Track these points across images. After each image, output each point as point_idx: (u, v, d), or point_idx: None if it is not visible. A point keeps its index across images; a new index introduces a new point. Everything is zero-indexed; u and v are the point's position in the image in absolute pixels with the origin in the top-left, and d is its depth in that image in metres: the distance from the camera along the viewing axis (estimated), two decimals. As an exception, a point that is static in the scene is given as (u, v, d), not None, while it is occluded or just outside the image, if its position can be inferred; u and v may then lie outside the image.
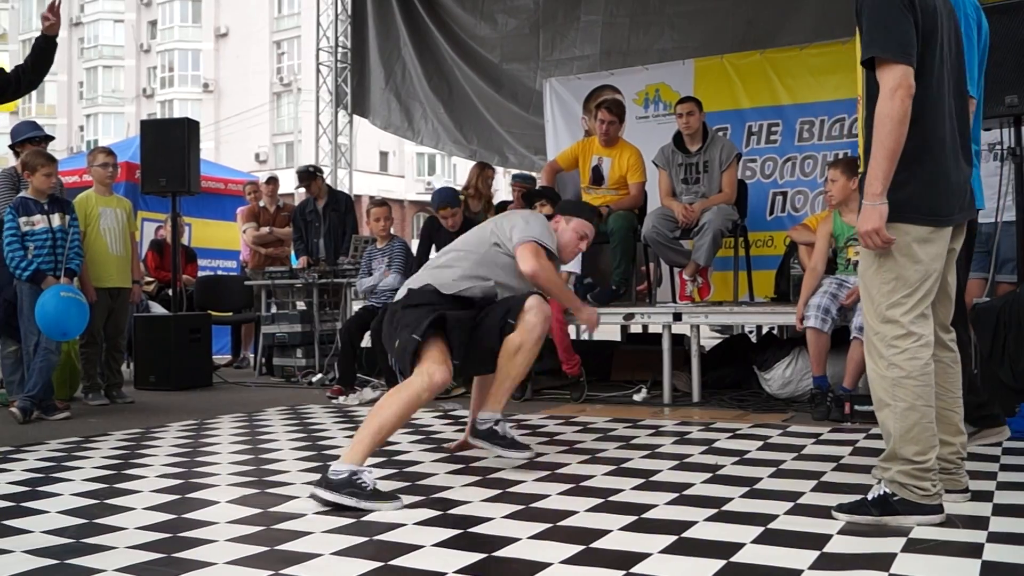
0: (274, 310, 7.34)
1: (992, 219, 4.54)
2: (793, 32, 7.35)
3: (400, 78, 9.74)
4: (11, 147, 5.68)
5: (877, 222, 2.38)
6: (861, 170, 2.55)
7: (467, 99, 9.38)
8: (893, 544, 2.22)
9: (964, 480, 2.65)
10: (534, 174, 8.09)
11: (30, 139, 5.63)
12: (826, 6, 6.98)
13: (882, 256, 2.44)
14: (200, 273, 8.78)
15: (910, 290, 2.42)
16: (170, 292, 7.20)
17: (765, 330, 6.69)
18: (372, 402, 5.37)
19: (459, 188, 6.95)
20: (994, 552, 2.15)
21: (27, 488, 3.12)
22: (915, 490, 2.40)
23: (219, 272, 9.53)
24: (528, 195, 5.93)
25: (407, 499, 2.81)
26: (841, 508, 2.49)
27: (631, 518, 2.54)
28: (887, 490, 2.44)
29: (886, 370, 2.44)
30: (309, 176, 7.44)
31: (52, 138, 5.95)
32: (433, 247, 6.17)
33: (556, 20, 8.81)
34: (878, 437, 2.77)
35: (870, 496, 2.47)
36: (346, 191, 9.38)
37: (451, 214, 5.96)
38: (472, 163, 7.77)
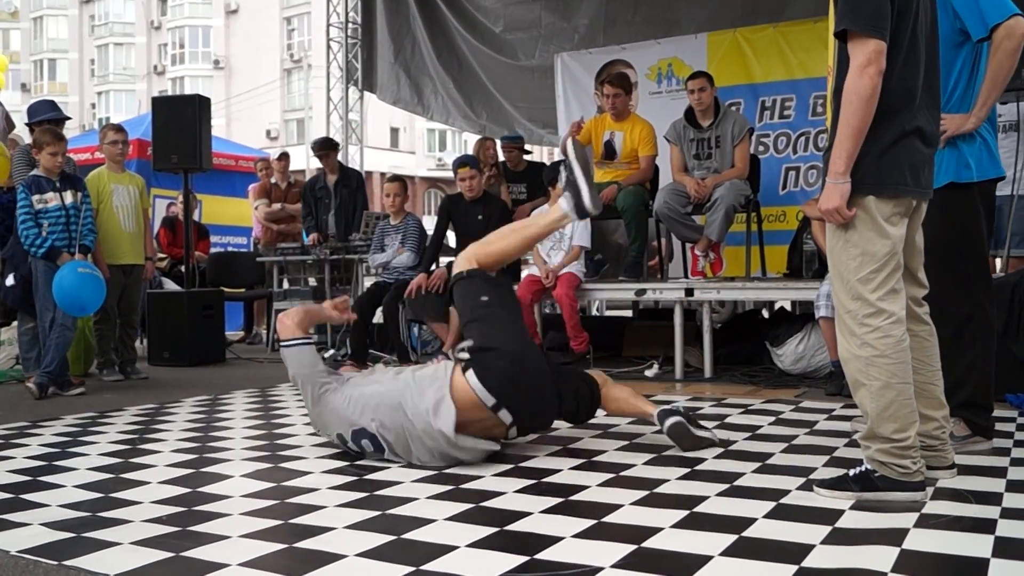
0: (286, 286, 7.36)
1: (1006, 192, 4.50)
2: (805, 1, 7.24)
3: (410, 53, 9.66)
4: (28, 125, 5.71)
5: (838, 201, 2.36)
6: (826, 144, 2.50)
7: (475, 74, 9.30)
8: (905, 520, 2.22)
9: (950, 456, 2.61)
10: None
11: (47, 119, 5.65)
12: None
13: (849, 231, 2.41)
14: (212, 250, 8.81)
15: (878, 264, 2.37)
16: (182, 269, 7.23)
17: (777, 305, 6.66)
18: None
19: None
20: (1007, 528, 2.14)
21: (43, 463, 3.15)
22: (895, 468, 2.38)
23: (230, 248, 9.57)
24: (551, 169, 5.86)
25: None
26: (822, 484, 2.48)
27: (643, 493, 2.54)
28: (868, 467, 2.43)
29: (859, 349, 2.40)
30: (330, 145, 7.43)
31: (68, 118, 5.97)
32: (451, 226, 6.09)
33: None
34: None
35: (851, 472, 2.46)
36: (357, 167, 9.36)
37: (469, 175, 5.82)
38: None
